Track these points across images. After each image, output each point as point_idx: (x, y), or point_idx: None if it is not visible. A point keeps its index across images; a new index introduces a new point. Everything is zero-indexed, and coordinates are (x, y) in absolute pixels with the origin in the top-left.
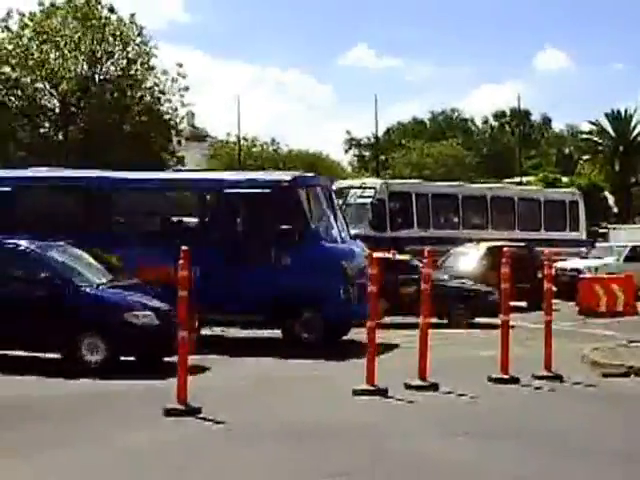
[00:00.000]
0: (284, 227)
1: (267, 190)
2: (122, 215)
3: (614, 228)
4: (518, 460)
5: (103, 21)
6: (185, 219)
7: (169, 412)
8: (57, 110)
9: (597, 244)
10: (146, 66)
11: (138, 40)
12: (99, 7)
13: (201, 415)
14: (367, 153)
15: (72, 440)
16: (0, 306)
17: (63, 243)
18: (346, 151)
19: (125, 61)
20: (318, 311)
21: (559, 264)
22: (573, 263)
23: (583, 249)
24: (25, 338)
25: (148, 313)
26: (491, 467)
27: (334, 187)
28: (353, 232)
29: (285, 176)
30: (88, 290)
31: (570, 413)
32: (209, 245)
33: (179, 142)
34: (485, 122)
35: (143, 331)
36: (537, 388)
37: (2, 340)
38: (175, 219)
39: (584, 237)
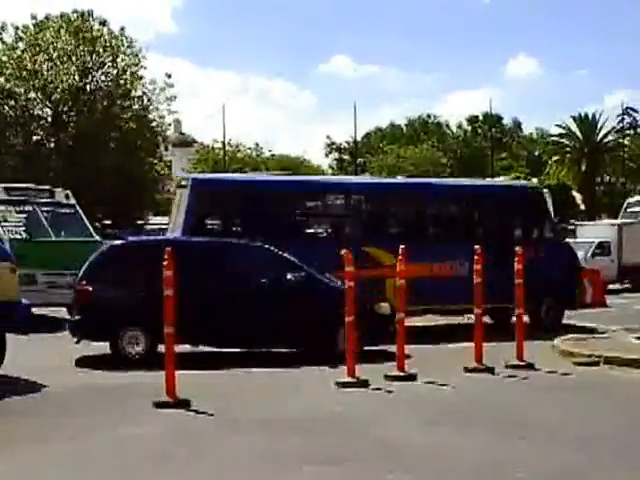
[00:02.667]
0: (538, 225)
1: (521, 194)
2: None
3: (581, 225)
4: (494, 445)
5: (95, 34)
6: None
7: (158, 405)
8: (49, 119)
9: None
10: (135, 76)
11: (128, 51)
12: (91, 20)
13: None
14: (347, 157)
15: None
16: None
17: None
18: (326, 155)
19: (115, 71)
20: (556, 299)
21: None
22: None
23: None
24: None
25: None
26: (469, 452)
27: None
28: None
29: (532, 183)
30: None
31: (541, 400)
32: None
33: (166, 148)
34: (459, 126)
35: (386, 319)
36: (511, 377)
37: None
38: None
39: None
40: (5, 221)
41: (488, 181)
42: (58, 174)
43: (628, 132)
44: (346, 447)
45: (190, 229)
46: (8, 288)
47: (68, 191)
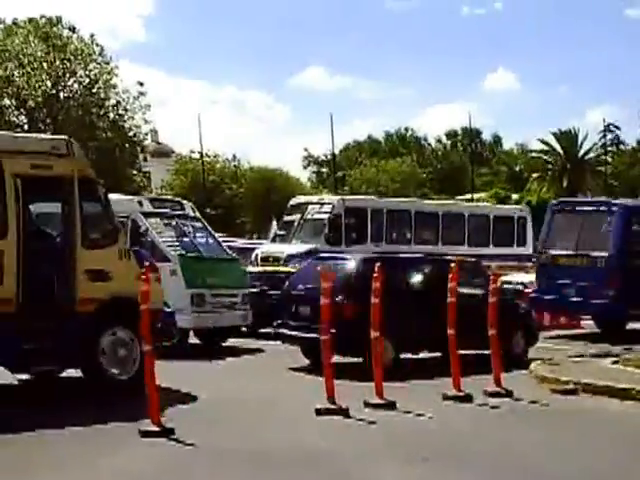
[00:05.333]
0: None
1: None
2: None
3: None
4: None
5: (64, 40)
6: None
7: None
8: (25, 127)
9: None
10: (108, 84)
11: (99, 59)
12: (60, 26)
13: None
14: (325, 170)
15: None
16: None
17: None
18: (305, 167)
19: (87, 79)
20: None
21: (505, 278)
22: (519, 277)
23: (529, 264)
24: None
25: None
26: None
27: (291, 203)
28: (309, 246)
29: None
30: None
31: (521, 434)
32: None
33: (145, 158)
34: (438, 141)
35: None
36: (492, 407)
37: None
38: None
39: (530, 252)
40: (160, 235)
41: None
42: None
43: (610, 149)
44: None
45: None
46: (156, 295)
47: (191, 203)
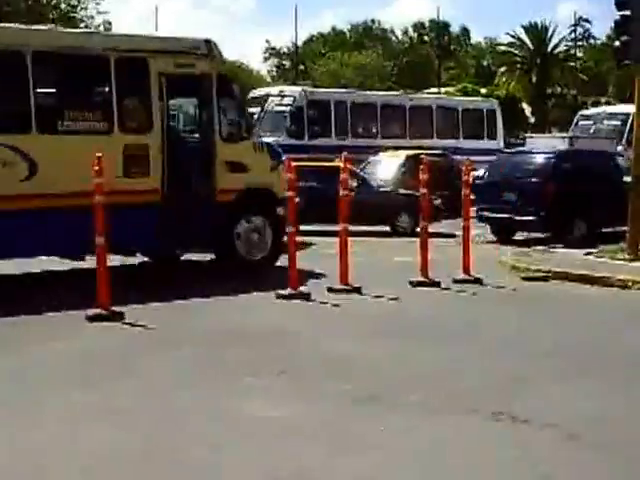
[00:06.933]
0: None
1: None
2: None
3: (531, 137)
4: (436, 353)
5: None
6: None
7: (92, 318)
8: None
9: None
10: None
11: None
12: None
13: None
14: (287, 63)
15: None
16: None
17: None
18: (265, 60)
19: None
20: None
21: (477, 172)
22: None
23: None
24: None
25: None
26: (411, 360)
27: (251, 95)
28: (270, 139)
29: None
30: None
31: (483, 312)
32: None
33: None
34: (405, 33)
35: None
36: (457, 291)
37: None
38: None
39: (502, 146)
40: None
41: None
42: None
43: (581, 43)
44: (286, 359)
45: None
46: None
47: None
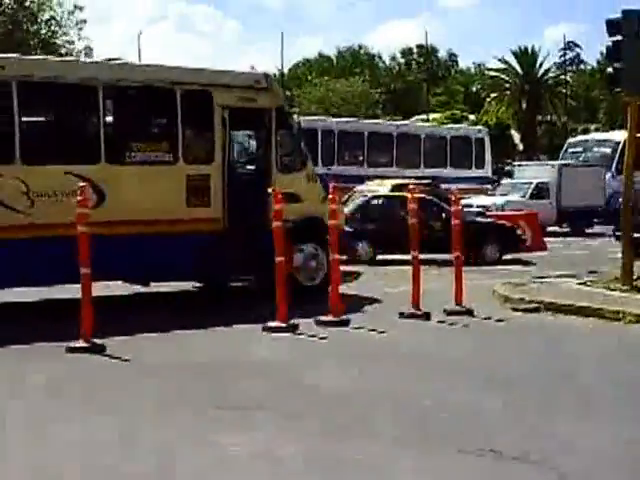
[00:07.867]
0: None
1: None
2: None
3: (519, 165)
4: (423, 385)
5: None
6: None
7: (72, 350)
8: None
9: (502, 181)
10: None
11: None
12: None
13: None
14: None
15: None
16: None
17: None
18: None
19: None
20: None
21: (465, 201)
22: (479, 200)
23: (488, 186)
24: None
25: None
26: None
27: None
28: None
29: None
30: None
31: (473, 344)
32: None
33: None
34: (392, 59)
35: None
36: (450, 324)
37: None
38: None
39: (489, 174)
40: None
41: None
42: None
43: (570, 68)
44: (267, 393)
45: None
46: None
47: None
